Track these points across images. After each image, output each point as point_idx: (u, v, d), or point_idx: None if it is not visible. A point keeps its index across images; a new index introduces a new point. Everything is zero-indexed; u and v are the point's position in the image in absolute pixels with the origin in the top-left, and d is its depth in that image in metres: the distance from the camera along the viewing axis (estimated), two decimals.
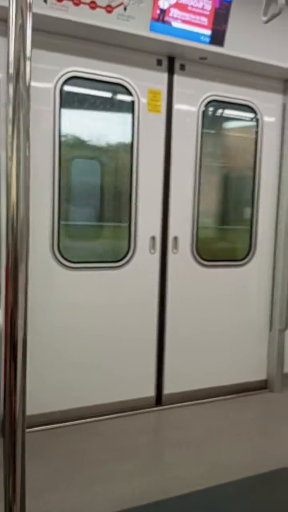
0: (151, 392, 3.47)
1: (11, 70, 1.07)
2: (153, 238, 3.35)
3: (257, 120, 3.70)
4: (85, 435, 3.00)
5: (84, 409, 3.18)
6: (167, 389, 3.51)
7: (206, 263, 3.58)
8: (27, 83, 1.09)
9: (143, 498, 2.35)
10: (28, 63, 1.08)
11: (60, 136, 3.01)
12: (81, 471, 2.58)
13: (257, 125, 3.70)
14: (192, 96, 3.42)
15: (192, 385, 3.58)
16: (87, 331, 3.20)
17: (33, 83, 2.80)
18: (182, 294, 3.50)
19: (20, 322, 1.16)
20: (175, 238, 3.43)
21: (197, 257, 3.54)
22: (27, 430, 2.95)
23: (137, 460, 2.74)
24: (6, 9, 1.07)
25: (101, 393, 3.26)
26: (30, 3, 1.07)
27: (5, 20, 1.07)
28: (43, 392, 3.01)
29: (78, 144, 3.30)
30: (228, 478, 2.53)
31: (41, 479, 2.47)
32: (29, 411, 2.99)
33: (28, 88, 1.09)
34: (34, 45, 2.84)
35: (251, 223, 3.75)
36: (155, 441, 3.08)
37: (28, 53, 1.08)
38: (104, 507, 2.28)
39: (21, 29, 1.07)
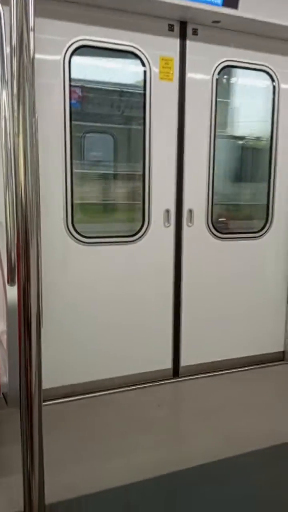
0: (168, 364, 3.50)
1: (14, 42, 1.02)
2: (167, 211, 3.30)
3: (273, 87, 3.56)
4: (104, 407, 3.05)
5: (102, 382, 3.23)
6: (184, 361, 3.53)
7: (222, 235, 3.53)
8: (32, 55, 1.04)
9: (161, 469, 2.38)
10: (31, 34, 1.03)
11: (70, 109, 2.94)
12: (100, 443, 2.63)
13: (273, 92, 3.57)
14: (205, 62, 3.30)
15: (209, 357, 3.60)
16: (104, 305, 3.21)
17: (40, 55, 2.77)
18: (197, 267, 3.47)
19: (33, 298, 1.16)
20: (190, 211, 3.37)
21: (213, 229, 3.49)
22: (45, 403, 3.01)
23: (155, 431, 2.78)
24: None
25: (118, 366, 3.29)
26: None
27: None
28: (61, 365, 3.05)
29: (90, 117, 3.23)
30: (244, 449, 2.55)
31: (60, 451, 2.52)
32: (47, 385, 3.06)
33: (32, 60, 1.04)
34: (39, 14, 2.77)
35: (268, 195, 3.66)
36: (173, 413, 3.12)
37: (31, 24, 1.03)
38: (123, 478, 2.32)
39: (23, 1, 1.02)
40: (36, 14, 2.64)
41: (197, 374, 3.53)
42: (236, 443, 2.63)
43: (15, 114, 1.06)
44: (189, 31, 3.21)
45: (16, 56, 1.03)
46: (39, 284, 1.16)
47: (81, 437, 2.69)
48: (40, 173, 2.65)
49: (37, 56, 2.68)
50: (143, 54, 3.09)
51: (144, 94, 3.15)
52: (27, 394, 1.21)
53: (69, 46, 2.89)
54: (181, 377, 3.51)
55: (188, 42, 3.22)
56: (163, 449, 2.59)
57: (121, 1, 2.84)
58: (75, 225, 3.05)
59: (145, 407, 3.07)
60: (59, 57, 2.88)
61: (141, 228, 3.26)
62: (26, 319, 1.16)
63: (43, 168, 2.76)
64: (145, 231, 3.26)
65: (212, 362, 3.60)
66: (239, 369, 3.66)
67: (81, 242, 3.08)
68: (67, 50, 2.89)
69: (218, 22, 3.17)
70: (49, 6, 2.78)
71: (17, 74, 1.04)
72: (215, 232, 3.49)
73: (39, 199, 1.12)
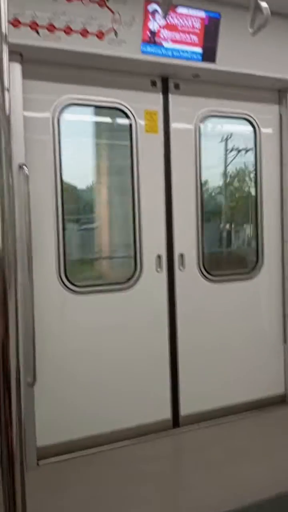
0: (167, 414, 3.40)
1: None
2: (159, 257, 3.33)
3: (255, 132, 3.70)
4: (102, 464, 2.92)
5: (98, 437, 3.11)
6: (184, 410, 3.44)
7: (214, 278, 3.54)
8: (7, 113, 1.09)
9: None
10: (6, 93, 1.08)
11: (61, 164, 3.03)
12: (98, 500, 2.51)
13: (255, 137, 3.71)
14: (188, 113, 3.43)
15: (209, 404, 3.50)
16: (98, 355, 3.15)
17: (30, 113, 2.88)
18: (192, 311, 3.46)
19: (12, 351, 1.13)
20: (181, 255, 3.40)
21: (205, 272, 3.50)
22: (41, 460, 2.90)
23: (156, 485, 2.67)
24: None
25: (115, 418, 3.19)
26: (5, 35, 1.08)
27: None
28: (55, 420, 2.96)
29: (79, 170, 3.32)
30: (247, 501, 2.44)
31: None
32: (43, 442, 2.95)
33: (8, 118, 1.09)
34: (28, 76, 2.90)
35: (257, 235, 3.72)
36: (174, 465, 3.00)
37: (6, 84, 1.08)
38: None
39: None
40: (25, 76, 2.78)
41: (198, 423, 3.43)
42: (238, 494, 2.52)
43: None
44: (171, 85, 3.37)
45: None
46: (18, 338, 1.15)
47: (77, 497, 2.56)
48: (32, 226, 2.71)
49: (28, 114, 2.80)
50: (128, 109, 3.23)
51: (131, 146, 3.26)
52: (8, 456, 1.16)
53: (57, 105, 3.01)
54: (181, 426, 3.41)
55: (170, 96, 3.37)
56: (162, 503, 2.48)
57: (106, 61, 2.99)
58: (67, 274, 3.06)
59: (144, 461, 2.95)
60: (48, 115, 3.00)
61: (133, 275, 3.27)
62: (5, 376, 1.13)
63: (36, 221, 2.82)
64: (137, 278, 3.27)
65: (213, 409, 3.50)
66: (241, 415, 3.56)
67: (72, 291, 3.08)
68: (55, 108, 3.01)
69: (198, 76, 3.34)
70: (37, 68, 2.91)
71: None
72: (207, 275, 3.51)
73: (16, 251, 1.13)
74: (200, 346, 3.48)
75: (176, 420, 3.42)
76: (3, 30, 1.07)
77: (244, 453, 3.01)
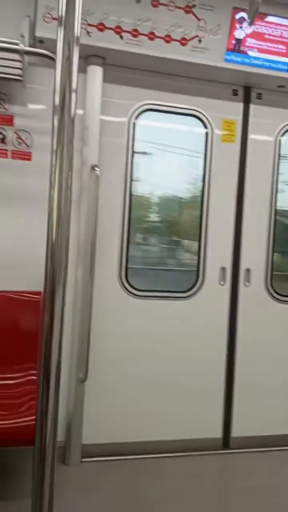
0: (218, 433, 3.27)
1: (57, 101, 1.09)
2: (223, 269, 3.23)
3: None
4: (144, 471, 2.88)
5: (144, 444, 3.07)
6: (236, 432, 3.28)
7: (283, 298, 3.36)
8: (72, 114, 1.10)
9: None
10: (73, 94, 1.10)
11: (132, 169, 3.07)
12: (133, 509, 2.46)
13: None
14: (269, 125, 3.32)
15: (264, 431, 3.31)
16: (152, 362, 3.12)
17: (107, 117, 2.95)
18: (254, 330, 3.31)
19: (54, 349, 1.14)
20: (248, 270, 3.27)
21: (272, 291, 3.34)
22: (84, 459, 2.92)
23: (196, 505, 2.56)
24: (55, 42, 1.11)
25: (164, 429, 3.13)
26: (77, 36, 1.09)
27: (54, 52, 1.11)
28: (103, 421, 2.96)
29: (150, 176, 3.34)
30: None
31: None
32: (88, 440, 2.97)
33: (73, 119, 1.10)
34: (109, 79, 2.99)
35: None
36: (218, 487, 2.87)
37: (74, 85, 1.10)
38: None
39: (68, 61, 1.09)
40: (106, 80, 2.86)
41: (249, 448, 3.25)
42: None
43: (53, 169, 1.11)
44: (253, 95, 3.28)
45: (58, 114, 1.09)
46: (61, 335, 1.15)
47: (113, 500, 2.54)
48: (99, 227, 2.76)
49: (105, 117, 2.87)
50: (205, 117, 3.19)
51: (205, 155, 3.21)
52: (40, 450, 1.16)
53: (135, 110, 3.06)
54: (232, 448, 3.25)
55: (252, 106, 3.28)
56: None
57: (187, 68, 2.98)
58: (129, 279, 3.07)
59: (188, 477, 2.86)
60: (125, 119, 3.05)
61: (194, 285, 3.20)
62: (46, 371, 1.14)
63: (103, 223, 2.87)
64: (198, 288, 3.20)
65: (266, 436, 3.31)
66: None
67: (133, 295, 3.08)
68: (133, 113, 3.05)
69: (283, 86, 3.22)
70: (118, 73, 2.98)
71: (57, 131, 1.10)
72: (275, 294, 3.33)
73: (68, 251, 1.14)
74: (261, 368, 3.32)
75: (226, 441, 3.28)
76: (76, 32, 1.09)
77: None
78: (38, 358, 2.46)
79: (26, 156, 2.85)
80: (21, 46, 2.53)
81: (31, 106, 2.87)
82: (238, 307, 3.28)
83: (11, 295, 2.76)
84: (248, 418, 3.29)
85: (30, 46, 2.61)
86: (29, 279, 2.64)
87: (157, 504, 2.53)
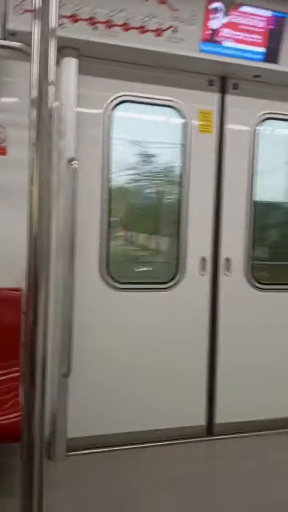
0: (201, 420, 3.32)
1: (34, 94, 1.08)
2: (203, 259, 3.26)
3: None
4: (130, 461, 2.92)
5: (129, 435, 3.10)
6: (219, 419, 3.34)
7: (263, 286, 3.41)
8: (50, 107, 1.08)
9: None
10: (51, 87, 1.08)
11: (109, 161, 3.05)
12: (121, 500, 2.49)
13: None
14: (245, 115, 3.34)
15: (247, 416, 3.37)
16: (135, 353, 3.14)
17: (83, 109, 2.92)
18: (235, 319, 3.36)
19: (39, 344, 1.14)
20: (227, 260, 3.31)
21: (253, 280, 3.38)
22: (70, 453, 2.93)
23: (182, 492, 2.61)
24: (26, 34, 1.09)
25: (148, 419, 3.16)
26: (53, 28, 1.07)
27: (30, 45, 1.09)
28: (87, 414, 2.98)
29: (127, 168, 3.32)
30: None
31: (76, 506, 2.41)
32: (72, 434, 2.99)
33: (50, 112, 1.09)
34: (84, 71, 2.96)
35: None
36: (203, 473, 2.92)
37: (51, 77, 1.08)
38: None
39: (45, 53, 1.07)
40: (81, 72, 2.82)
41: (233, 433, 3.32)
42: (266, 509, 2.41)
43: (31, 162, 1.10)
44: (229, 85, 3.28)
45: (36, 107, 1.08)
46: (46, 330, 1.15)
47: (100, 492, 2.57)
48: (78, 221, 2.75)
49: (81, 109, 2.84)
50: (183, 108, 3.18)
51: (183, 146, 3.21)
52: (28, 445, 1.16)
53: (111, 101, 3.03)
54: (215, 435, 3.31)
55: (228, 96, 3.29)
56: (185, 509, 2.41)
57: (163, 59, 2.96)
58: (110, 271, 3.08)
59: (173, 465, 2.90)
60: (101, 111, 3.02)
61: (175, 276, 3.22)
62: (31, 366, 1.14)
63: (82, 216, 2.86)
64: (179, 279, 3.22)
65: (249, 422, 3.37)
66: (279, 431, 3.40)
67: (114, 288, 3.08)
68: (108, 105, 3.03)
69: (259, 76, 3.23)
70: (93, 64, 2.94)
71: (36, 124, 1.08)
72: (255, 283, 3.38)
73: (50, 245, 1.13)
74: (242, 355, 3.37)
75: (210, 427, 3.33)
76: (52, 24, 1.07)
77: (278, 469, 2.88)
78: (19, 355, 2.46)
79: (0, 150, 2.82)
80: None
81: (4, 100, 2.83)
82: (219, 297, 3.32)
83: None
84: (231, 404, 3.35)
85: (1, 39, 2.56)
86: (7, 276, 2.62)
87: (145, 493, 2.57)
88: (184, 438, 3.21)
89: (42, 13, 1.05)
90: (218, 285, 3.32)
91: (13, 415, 2.12)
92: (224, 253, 3.31)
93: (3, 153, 2.82)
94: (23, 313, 2.34)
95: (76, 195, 2.79)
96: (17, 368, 2.48)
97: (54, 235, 2.80)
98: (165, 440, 3.16)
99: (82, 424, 2.97)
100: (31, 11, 1.08)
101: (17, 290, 2.70)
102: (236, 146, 3.31)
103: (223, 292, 3.32)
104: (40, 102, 1.07)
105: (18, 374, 2.43)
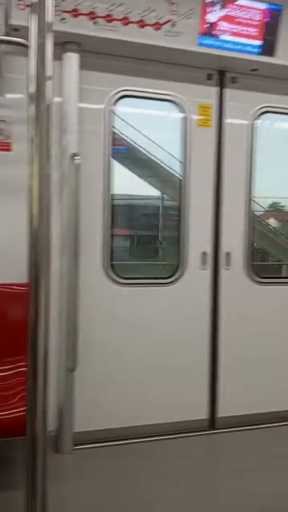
0: (204, 414, 3.33)
1: (32, 90, 1.07)
2: (204, 254, 3.27)
3: None
4: (133, 455, 2.92)
5: (132, 429, 3.10)
6: (221, 412, 3.35)
7: (262, 280, 3.43)
8: (48, 102, 1.08)
9: None
10: (49, 82, 1.08)
11: (111, 154, 3.04)
12: (126, 494, 2.50)
13: None
14: (244, 108, 3.35)
15: (249, 409, 3.38)
16: (138, 348, 3.15)
17: (84, 104, 2.92)
18: (236, 312, 3.37)
19: (41, 338, 1.14)
20: (228, 254, 3.32)
21: (252, 274, 3.40)
22: (76, 447, 2.93)
23: (186, 485, 2.62)
24: (27, 29, 1.08)
25: (152, 413, 3.17)
26: (49, 23, 1.07)
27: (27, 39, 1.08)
28: (93, 408, 2.98)
29: (129, 160, 3.33)
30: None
31: (80, 500, 2.41)
32: (78, 428, 2.98)
33: (48, 107, 1.08)
34: (86, 66, 2.95)
35: None
36: (206, 467, 2.93)
37: (49, 73, 1.07)
38: None
39: (42, 48, 1.07)
40: (82, 67, 2.81)
41: (235, 427, 3.33)
42: (273, 505, 2.41)
43: (30, 157, 1.10)
44: (228, 79, 3.29)
45: (34, 103, 1.07)
46: (48, 325, 1.15)
47: (105, 485, 2.57)
48: (80, 213, 2.74)
49: (82, 105, 2.83)
50: (182, 102, 3.19)
51: (182, 140, 3.22)
52: (32, 439, 1.16)
53: (112, 96, 3.03)
54: (218, 428, 3.32)
55: (227, 90, 3.29)
56: (192, 505, 2.42)
57: (162, 53, 2.96)
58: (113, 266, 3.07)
59: (176, 458, 2.91)
60: (102, 106, 3.02)
61: (176, 271, 3.23)
62: (33, 361, 1.14)
63: (85, 211, 2.85)
64: (181, 274, 3.23)
65: (252, 415, 3.38)
66: (282, 424, 3.42)
67: (117, 283, 3.08)
68: (109, 100, 3.02)
69: (256, 70, 3.24)
70: (94, 59, 2.94)
71: (34, 119, 1.08)
72: (254, 277, 3.40)
73: (49, 240, 1.13)
74: (244, 349, 3.38)
75: (212, 421, 3.34)
76: (49, 18, 1.06)
77: (281, 462, 2.89)
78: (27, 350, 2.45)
79: (5, 146, 2.80)
80: None
81: (9, 96, 2.82)
82: (220, 290, 3.33)
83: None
84: (233, 398, 3.36)
85: (5, 34, 2.55)
86: (16, 271, 2.61)
87: (150, 486, 2.57)
88: (187, 432, 3.21)
89: (39, 8, 1.05)
90: (219, 279, 3.32)
91: (19, 409, 2.11)
92: (224, 248, 3.32)
93: (9, 149, 2.80)
94: None
95: (79, 190, 2.78)
96: (25, 363, 2.46)
97: (58, 230, 2.79)
98: (169, 434, 3.16)
99: (89, 418, 2.97)
100: (29, 5, 1.07)
101: (26, 285, 2.68)
102: (235, 139, 3.32)
103: (224, 286, 3.33)
104: (38, 96, 1.07)
105: (26, 369, 2.42)
